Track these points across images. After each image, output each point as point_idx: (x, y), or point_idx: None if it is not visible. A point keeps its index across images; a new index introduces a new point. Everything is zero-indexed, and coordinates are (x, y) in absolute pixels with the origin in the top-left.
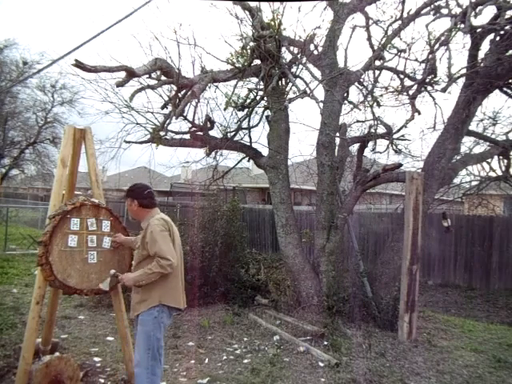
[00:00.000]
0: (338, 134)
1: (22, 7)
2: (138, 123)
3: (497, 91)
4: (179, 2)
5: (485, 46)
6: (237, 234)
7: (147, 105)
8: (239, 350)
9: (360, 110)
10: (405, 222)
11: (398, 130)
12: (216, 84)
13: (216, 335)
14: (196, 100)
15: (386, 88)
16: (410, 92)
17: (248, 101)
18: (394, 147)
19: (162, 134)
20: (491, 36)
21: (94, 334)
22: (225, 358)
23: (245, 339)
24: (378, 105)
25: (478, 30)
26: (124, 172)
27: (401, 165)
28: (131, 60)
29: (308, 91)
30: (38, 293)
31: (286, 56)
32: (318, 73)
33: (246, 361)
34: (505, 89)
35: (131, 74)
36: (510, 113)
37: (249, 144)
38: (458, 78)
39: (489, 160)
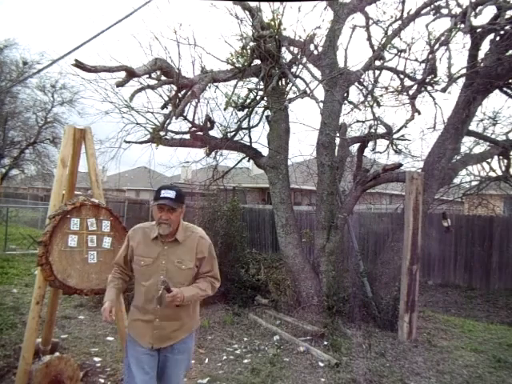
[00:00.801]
0: (338, 134)
1: (22, 7)
2: (138, 123)
3: (497, 91)
4: (179, 2)
5: (485, 46)
6: (237, 233)
7: (147, 105)
8: (239, 349)
9: (360, 109)
10: (405, 222)
11: (398, 130)
12: (216, 84)
13: (216, 335)
14: (196, 100)
15: (386, 88)
16: (410, 92)
17: (248, 101)
18: (394, 147)
19: (162, 134)
20: (491, 36)
21: (94, 334)
22: (225, 357)
23: (245, 339)
24: (378, 105)
25: (478, 30)
26: (124, 172)
27: (401, 165)
28: (131, 60)
29: (308, 91)
30: (38, 293)
31: (286, 56)
32: (318, 73)
33: (245, 361)
34: (505, 89)
35: (131, 73)
36: (510, 113)
37: (249, 144)
38: (458, 77)
39: (489, 160)
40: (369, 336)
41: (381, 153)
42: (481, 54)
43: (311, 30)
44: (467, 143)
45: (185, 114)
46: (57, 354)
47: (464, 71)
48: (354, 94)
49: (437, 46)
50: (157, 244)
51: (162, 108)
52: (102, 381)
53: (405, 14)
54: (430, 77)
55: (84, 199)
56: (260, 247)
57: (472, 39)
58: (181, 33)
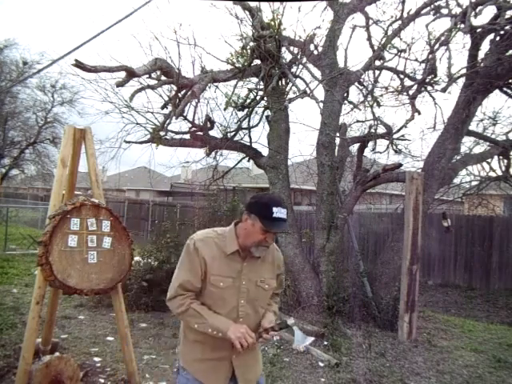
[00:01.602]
0: (338, 134)
1: (22, 7)
2: (138, 123)
3: (497, 91)
4: (179, 2)
5: (485, 46)
6: None
7: (147, 105)
8: None
9: (360, 109)
10: (405, 222)
11: (398, 130)
12: (216, 84)
13: None
14: (196, 100)
15: (386, 88)
16: (410, 92)
17: (248, 101)
18: (394, 147)
19: (162, 134)
20: (491, 36)
21: (94, 334)
22: None
23: None
24: (378, 105)
25: (478, 30)
26: (124, 172)
27: (401, 165)
28: (131, 60)
29: (308, 91)
30: (38, 293)
31: (286, 56)
32: (318, 73)
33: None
34: (505, 89)
35: (131, 74)
36: (510, 113)
37: (249, 144)
38: (458, 77)
39: (489, 160)
40: (369, 336)
41: (381, 153)
42: (481, 54)
43: (311, 29)
44: (467, 143)
45: (185, 114)
46: (57, 353)
47: (464, 71)
48: (354, 94)
49: (437, 46)
50: (234, 260)
51: (162, 108)
52: (102, 381)
53: (405, 14)
54: (429, 77)
55: (84, 199)
56: None
57: (472, 39)
58: (181, 33)
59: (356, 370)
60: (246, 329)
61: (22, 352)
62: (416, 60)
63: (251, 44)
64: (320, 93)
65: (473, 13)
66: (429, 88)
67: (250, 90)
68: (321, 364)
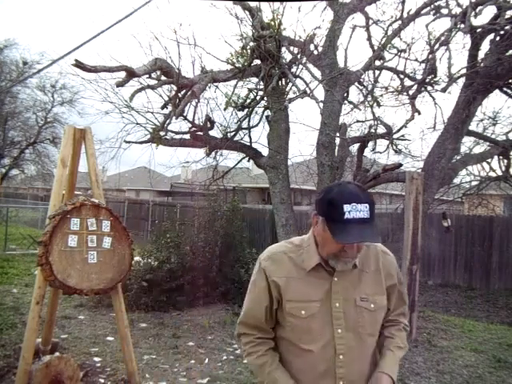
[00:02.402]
0: (338, 134)
1: (22, 7)
2: (138, 123)
3: (497, 91)
4: (179, 2)
5: (485, 46)
6: (237, 234)
7: (147, 105)
8: (239, 350)
9: (360, 109)
10: (405, 222)
11: (398, 130)
12: (216, 84)
13: (216, 335)
14: (196, 100)
15: (386, 88)
16: (410, 92)
17: (248, 101)
18: (394, 147)
19: (162, 134)
20: (491, 36)
21: (94, 334)
22: (225, 358)
23: None
24: (378, 105)
25: (478, 30)
26: (124, 172)
27: (401, 165)
28: (131, 60)
29: (308, 91)
30: (38, 293)
31: (286, 56)
32: (318, 73)
33: (246, 361)
34: (505, 89)
35: (131, 74)
36: (510, 113)
37: (249, 144)
38: (458, 78)
39: (489, 160)
40: None
41: (381, 153)
42: (481, 54)
43: (311, 29)
44: (467, 143)
45: (185, 114)
46: (57, 353)
47: (464, 71)
48: (354, 94)
49: (437, 46)
50: (319, 277)
51: (162, 108)
52: (102, 381)
53: (405, 14)
54: (430, 77)
55: (84, 199)
56: (260, 247)
57: (472, 39)
58: (181, 33)
59: None
60: None
61: (22, 352)
62: (416, 60)
63: (251, 44)
64: (320, 93)
65: (473, 13)
66: (429, 88)
67: (250, 90)
68: None
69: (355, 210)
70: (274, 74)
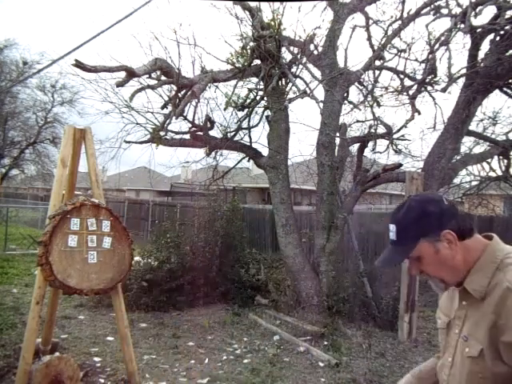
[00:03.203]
0: (338, 134)
1: (22, 7)
2: (138, 123)
3: (497, 91)
4: (179, 2)
5: (485, 46)
6: (237, 233)
7: (147, 105)
8: (239, 349)
9: (360, 109)
10: None
11: (398, 130)
12: (216, 84)
13: (216, 335)
14: (196, 100)
15: (386, 88)
16: (410, 92)
17: (248, 101)
18: (394, 147)
19: (162, 134)
20: (491, 36)
21: (94, 334)
22: (225, 357)
23: (245, 339)
24: (378, 105)
25: (478, 30)
26: (124, 172)
27: (401, 165)
28: (131, 60)
29: (308, 91)
30: (38, 293)
31: (286, 56)
32: (318, 73)
33: (245, 361)
34: (505, 89)
35: (131, 74)
36: (510, 113)
37: (249, 144)
38: (458, 78)
39: (489, 160)
40: (369, 336)
41: (381, 153)
42: (481, 54)
43: (311, 29)
44: (467, 143)
45: (185, 114)
46: (57, 354)
47: (464, 71)
48: (354, 94)
49: (437, 46)
50: (457, 295)
51: (162, 108)
52: (102, 381)
53: (405, 14)
54: (430, 77)
55: (84, 199)
56: (260, 247)
57: (472, 39)
58: (181, 33)
59: (356, 369)
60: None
61: (22, 352)
62: (416, 60)
63: (251, 44)
64: (320, 93)
65: (473, 13)
66: (429, 88)
67: (250, 90)
68: (321, 364)
69: (390, 231)
70: (274, 74)
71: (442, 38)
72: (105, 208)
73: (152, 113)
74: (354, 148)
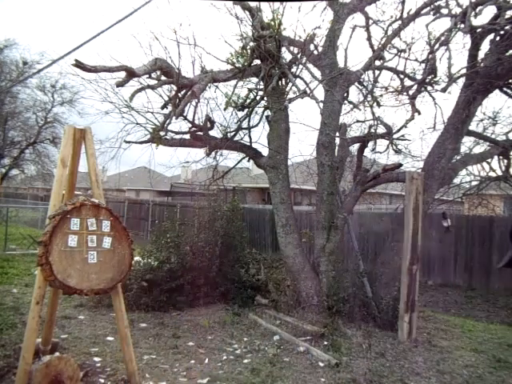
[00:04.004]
0: (337, 134)
1: (22, 7)
2: (138, 123)
3: (497, 91)
4: (179, 2)
5: (485, 46)
6: (237, 233)
7: (147, 105)
8: (239, 349)
9: (360, 110)
10: (405, 222)
11: (398, 130)
12: (216, 84)
13: (216, 335)
14: (196, 100)
15: (386, 88)
16: (410, 92)
17: (248, 101)
18: (394, 147)
19: (162, 134)
20: (491, 36)
21: (94, 333)
22: (225, 357)
23: (245, 339)
24: (378, 105)
25: (478, 30)
26: (124, 172)
27: (401, 165)
28: (131, 60)
29: (308, 91)
30: (38, 293)
31: (286, 56)
32: (318, 73)
33: (246, 361)
34: (505, 89)
35: (131, 73)
36: (510, 113)
37: (249, 144)
38: (458, 77)
39: (489, 160)
40: (369, 336)
41: (381, 153)
42: (481, 54)
43: (311, 29)
44: (467, 143)
45: (185, 114)
46: (57, 354)
47: (464, 71)
48: (354, 94)
49: (437, 46)
50: None
51: (162, 108)
52: (102, 381)
53: (405, 14)
54: (430, 77)
55: (84, 199)
56: (260, 247)
57: (472, 39)
58: (181, 33)
59: (356, 370)
60: None
61: (22, 352)
62: (416, 60)
63: (251, 44)
64: (320, 93)
65: (473, 13)
66: (429, 88)
67: (250, 90)
68: (321, 364)
69: None
70: (274, 74)
71: (442, 38)
72: (105, 208)
73: (152, 113)
74: (354, 148)
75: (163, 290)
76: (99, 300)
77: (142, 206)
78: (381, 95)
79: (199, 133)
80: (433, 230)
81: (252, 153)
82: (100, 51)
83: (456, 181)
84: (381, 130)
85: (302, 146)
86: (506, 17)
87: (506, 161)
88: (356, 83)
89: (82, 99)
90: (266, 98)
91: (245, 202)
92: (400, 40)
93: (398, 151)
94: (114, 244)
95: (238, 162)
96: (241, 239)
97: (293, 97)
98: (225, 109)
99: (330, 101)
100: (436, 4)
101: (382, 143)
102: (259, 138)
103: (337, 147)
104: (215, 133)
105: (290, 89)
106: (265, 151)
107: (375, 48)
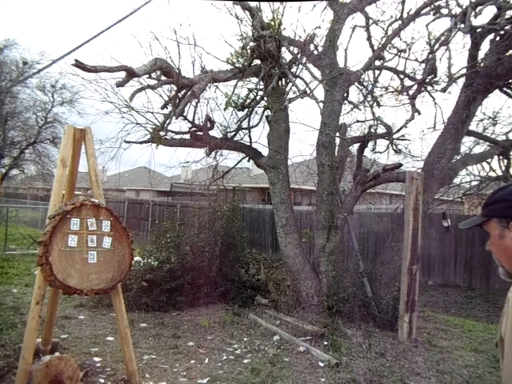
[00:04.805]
0: (338, 134)
1: (22, 7)
2: (138, 123)
3: (497, 91)
4: (179, 2)
5: (485, 46)
6: (237, 233)
7: (147, 105)
8: (239, 349)
9: (360, 110)
10: (405, 222)
11: (398, 130)
12: (216, 84)
13: (216, 335)
14: (196, 100)
15: (386, 88)
16: (410, 92)
17: (248, 101)
18: (394, 147)
19: (162, 134)
20: (491, 36)
21: (94, 334)
22: (225, 357)
23: (245, 339)
24: (378, 105)
25: (478, 30)
26: (124, 172)
27: (401, 165)
28: (131, 60)
29: (308, 91)
30: (38, 293)
31: (286, 56)
32: (318, 73)
33: (246, 361)
34: (505, 89)
35: (131, 74)
36: (510, 113)
37: (249, 144)
38: (458, 77)
39: (489, 160)
40: (369, 336)
41: (381, 153)
42: (481, 54)
43: (311, 29)
44: (467, 143)
45: (185, 114)
46: (57, 353)
47: (464, 71)
48: (354, 94)
49: (437, 46)
50: None
51: (162, 108)
52: (102, 381)
53: (405, 14)
54: (430, 77)
55: (84, 199)
56: (260, 247)
57: (472, 39)
58: (181, 33)
59: (356, 370)
60: None
61: (22, 352)
62: (416, 60)
63: (251, 44)
64: (320, 93)
65: (473, 13)
66: (429, 88)
67: (250, 90)
68: (321, 364)
69: None
70: (274, 74)
71: (442, 38)
72: (105, 208)
73: (152, 113)
74: (354, 148)
75: (163, 289)
76: (99, 300)
77: (141, 206)
78: (381, 95)
79: (199, 133)
80: (433, 230)
81: (252, 153)
82: (100, 51)
83: (456, 181)
84: (381, 130)
85: (302, 145)
86: (506, 17)
87: (506, 161)
88: (356, 83)
89: (81, 99)
90: (265, 98)
91: (245, 202)
92: (400, 40)
93: (398, 151)
94: (114, 244)
95: (238, 162)
96: (241, 239)
97: (293, 97)
98: (225, 109)
99: (330, 101)
100: (436, 4)
101: (382, 143)
102: (259, 138)
103: (337, 147)
104: (215, 133)
105: (290, 89)
106: (265, 151)
107: (375, 48)
